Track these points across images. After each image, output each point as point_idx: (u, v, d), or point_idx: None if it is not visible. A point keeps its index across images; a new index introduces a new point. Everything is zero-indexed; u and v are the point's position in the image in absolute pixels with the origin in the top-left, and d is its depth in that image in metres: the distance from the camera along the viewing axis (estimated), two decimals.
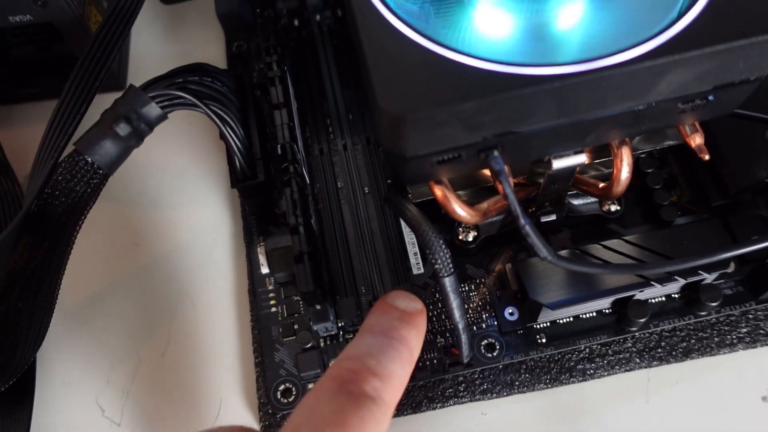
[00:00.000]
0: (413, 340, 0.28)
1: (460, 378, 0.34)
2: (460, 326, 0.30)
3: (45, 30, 0.38)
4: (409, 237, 0.37)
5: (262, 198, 0.38)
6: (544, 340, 0.34)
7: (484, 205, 0.32)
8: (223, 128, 0.34)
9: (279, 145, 0.34)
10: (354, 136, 0.40)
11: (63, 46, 0.40)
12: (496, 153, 0.27)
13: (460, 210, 0.30)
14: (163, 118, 0.33)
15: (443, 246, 0.29)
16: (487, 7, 0.27)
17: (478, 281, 0.36)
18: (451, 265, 0.29)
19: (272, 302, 0.36)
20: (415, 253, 0.36)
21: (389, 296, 0.30)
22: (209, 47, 0.45)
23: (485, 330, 0.35)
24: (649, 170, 0.37)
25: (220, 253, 0.39)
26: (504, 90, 0.24)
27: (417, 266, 0.36)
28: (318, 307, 0.33)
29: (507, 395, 0.34)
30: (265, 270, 0.37)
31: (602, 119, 0.26)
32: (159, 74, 0.33)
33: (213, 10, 0.46)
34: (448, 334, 0.35)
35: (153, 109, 0.32)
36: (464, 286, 0.36)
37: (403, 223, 0.37)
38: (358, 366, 0.26)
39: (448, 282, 0.29)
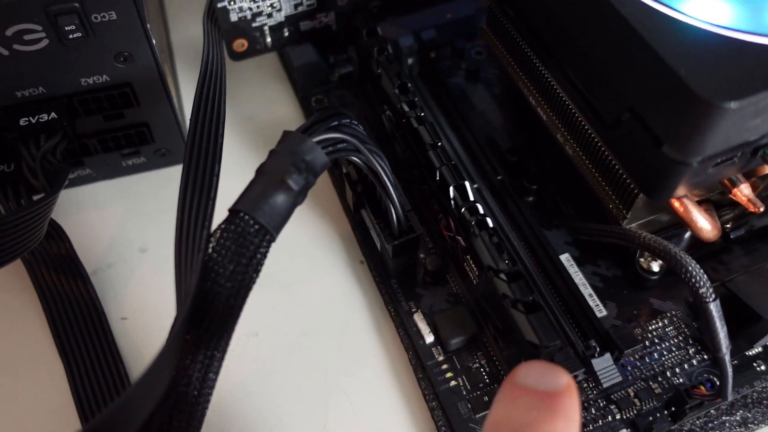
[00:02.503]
0: None
1: (687, 427, 0.30)
2: (727, 358, 0.26)
3: (122, 94, 0.32)
4: (578, 278, 0.33)
5: (409, 256, 0.32)
6: (763, 367, 0.31)
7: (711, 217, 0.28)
8: (382, 176, 0.30)
9: (451, 188, 0.30)
10: (481, 180, 0.36)
11: (137, 113, 0.34)
12: None
13: (704, 222, 0.27)
14: (327, 166, 0.27)
15: (700, 268, 0.26)
16: None
17: (670, 314, 0.32)
18: (713, 289, 0.25)
19: (448, 375, 0.31)
20: (590, 295, 0.32)
21: (518, 373, 0.20)
22: (280, 102, 0.40)
23: (697, 367, 0.31)
24: None
25: (360, 329, 0.33)
26: None
27: (598, 309, 0.32)
28: None
29: None
30: (430, 339, 0.31)
31: None
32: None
33: (273, 65, 0.42)
34: (660, 378, 0.30)
35: (319, 157, 0.27)
36: (656, 322, 0.32)
37: (570, 264, 0.33)
38: None
39: (714, 308, 0.25)
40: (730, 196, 0.27)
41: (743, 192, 0.26)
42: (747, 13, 0.23)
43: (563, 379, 0.20)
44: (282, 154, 0.26)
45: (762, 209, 0.26)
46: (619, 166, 0.26)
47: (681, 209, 0.26)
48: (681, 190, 0.25)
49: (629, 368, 0.31)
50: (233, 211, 0.26)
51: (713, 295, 0.25)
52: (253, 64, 0.41)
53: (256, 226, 0.26)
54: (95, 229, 0.36)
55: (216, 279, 0.25)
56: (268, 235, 0.26)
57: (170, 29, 0.44)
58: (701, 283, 0.25)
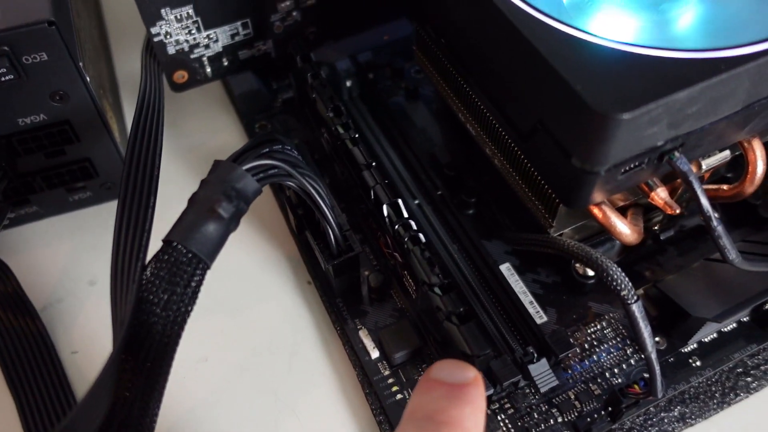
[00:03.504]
0: (468, 419, 0.21)
1: (628, 425, 0.31)
2: (653, 356, 0.27)
3: (60, 131, 0.33)
4: (518, 286, 0.34)
5: (351, 274, 0.33)
6: (698, 363, 0.32)
7: (634, 221, 0.29)
8: (317, 199, 0.30)
9: (385, 206, 0.30)
10: (422, 196, 0.37)
11: (79, 149, 0.34)
12: (677, 154, 0.25)
13: (624, 228, 0.28)
14: (258, 192, 0.28)
15: (621, 271, 0.26)
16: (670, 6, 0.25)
17: (608, 317, 0.33)
18: (634, 290, 0.26)
19: (394, 388, 0.31)
20: (531, 302, 0.33)
21: (432, 370, 0.23)
22: (225, 131, 0.41)
23: (635, 367, 0.32)
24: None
25: (309, 349, 0.34)
26: (712, 75, 0.22)
27: (538, 315, 0.33)
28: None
29: (681, 431, 0.31)
30: (375, 354, 0.32)
31: None
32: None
33: (218, 93, 0.43)
34: (599, 380, 0.31)
35: (250, 184, 0.28)
36: (595, 325, 0.33)
37: (510, 273, 0.34)
38: None
39: (636, 308, 0.26)
40: (648, 200, 0.28)
41: (660, 195, 0.27)
42: (645, 28, 0.25)
43: (471, 373, 0.22)
44: (212, 183, 0.27)
45: (678, 211, 0.27)
46: (539, 176, 0.27)
47: (600, 215, 0.27)
48: (597, 197, 0.26)
49: (569, 372, 0.31)
50: (166, 241, 0.26)
51: (635, 297, 0.26)
52: (199, 93, 0.42)
53: (189, 255, 0.26)
54: (44, 264, 0.36)
55: (151, 309, 0.26)
56: (201, 263, 0.26)
57: (116, 64, 0.44)
58: (623, 285, 0.26)
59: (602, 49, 0.23)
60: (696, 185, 0.25)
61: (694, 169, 0.28)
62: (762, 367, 0.32)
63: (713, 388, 0.32)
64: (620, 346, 0.32)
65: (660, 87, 0.22)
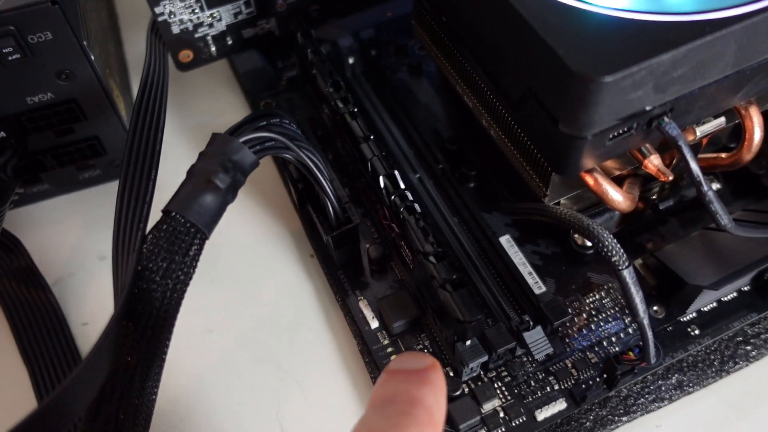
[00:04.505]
0: (428, 398, 0.22)
1: (625, 393, 0.31)
2: (645, 322, 0.27)
3: (68, 110, 0.34)
4: (517, 258, 0.34)
5: (352, 246, 0.34)
6: (697, 332, 0.32)
7: (629, 190, 0.30)
8: (315, 171, 0.31)
9: (381, 177, 0.31)
10: (423, 170, 0.37)
11: (87, 127, 0.35)
12: (667, 119, 0.25)
13: (616, 195, 0.28)
14: (255, 165, 0.29)
15: (612, 237, 0.27)
16: None
17: (606, 287, 0.33)
18: (626, 256, 0.27)
19: (393, 357, 0.32)
20: (530, 273, 0.33)
21: (391, 363, 0.23)
22: (231, 109, 0.42)
23: (633, 335, 0.32)
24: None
25: (311, 320, 0.34)
26: (696, 37, 0.22)
27: (537, 285, 0.33)
28: (468, 343, 0.29)
29: (678, 399, 0.31)
30: (375, 324, 0.33)
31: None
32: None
33: (224, 72, 0.43)
34: (597, 348, 0.32)
35: (247, 156, 0.28)
36: (594, 295, 0.33)
37: (510, 245, 0.34)
38: None
39: (628, 274, 0.27)
40: (642, 167, 0.28)
41: (653, 162, 0.27)
42: None
43: (428, 360, 0.23)
44: (210, 155, 0.28)
45: (671, 178, 0.27)
46: (531, 144, 0.28)
47: (592, 182, 0.28)
48: (587, 164, 0.26)
49: (567, 340, 0.32)
50: (165, 211, 0.27)
51: (626, 263, 0.26)
52: (206, 72, 0.43)
53: (187, 224, 0.27)
54: (56, 240, 0.37)
55: (151, 276, 0.26)
56: (199, 232, 0.27)
57: (127, 46, 0.45)
58: (614, 251, 0.26)
59: (586, 14, 0.23)
60: (685, 150, 0.25)
61: (689, 136, 0.29)
62: (762, 336, 0.32)
63: (712, 357, 0.32)
64: (618, 315, 0.32)
65: (643, 50, 0.22)
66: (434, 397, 0.22)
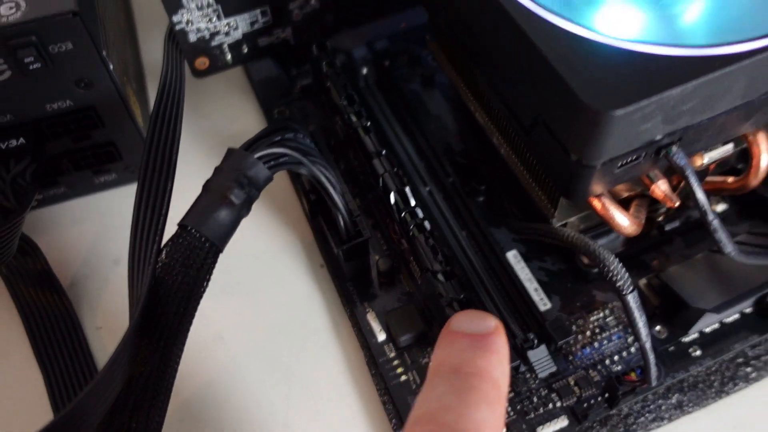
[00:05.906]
0: (496, 369, 0.21)
1: (625, 411, 0.31)
2: (648, 346, 0.28)
3: (86, 116, 0.34)
4: (524, 273, 0.34)
5: (361, 259, 0.34)
6: (699, 352, 0.32)
7: (636, 213, 0.30)
8: (327, 186, 0.31)
9: (392, 193, 0.31)
10: (433, 183, 0.38)
11: (104, 133, 0.36)
12: (675, 149, 0.25)
13: (623, 220, 0.28)
14: (269, 180, 0.29)
15: (618, 262, 0.27)
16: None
17: (611, 306, 0.34)
18: (630, 281, 0.27)
19: (399, 370, 0.32)
20: (536, 289, 0.34)
21: (453, 321, 0.23)
22: (245, 116, 0.42)
23: (635, 355, 0.32)
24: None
25: (319, 330, 0.35)
26: (706, 72, 0.23)
27: (542, 302, 0.34)
28: None
29: (677, 418, 0.31)
30: (382, 337, 0.33)
31: None
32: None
33: (240, 80, 0.44)
34: (599, 366, 0.32)
35: (261, 172, 0.29)
36: (598, 313, 0.34)
37: (517, 261, 0.35)
38: (433, 429, 0.20)
39: (632, 299, 0.27)
40: (649, 192, 0.28)
41: (660, 188, 0.28)
42: (644, 24, 0.25)
43: (492, 322, 0.22)
44: (225, 170, 0.29)
45: (678, 204, 0.28)
46: (540, 168, 0.28)
47: (599, 207, 0.28)
48: (596, 190, 0.27)
49: (570, 358, 0.32)
50: (182, 225, 0.28)
51: (631, 288, 0.27)
52: (222, 79, 0.43)
53: (203, 239, 0.28)
54: (72, 243, 0.38)
55: (165, 289, 0.27)
56: (213, 247, 0.28)
57: (143, 52, 0.46)
58: (618, 276, 0.27)
59: (598, 46, 0.24)
60: (692, 180, 0.25)
61: (697, 161, 0.29)
62: (762, 358, 0.33)
63: (712, 378, 0.32)
64: (621, 334, 0.33)
65: (654, 84, 0.22)
66: (501, 368, 0.21)
